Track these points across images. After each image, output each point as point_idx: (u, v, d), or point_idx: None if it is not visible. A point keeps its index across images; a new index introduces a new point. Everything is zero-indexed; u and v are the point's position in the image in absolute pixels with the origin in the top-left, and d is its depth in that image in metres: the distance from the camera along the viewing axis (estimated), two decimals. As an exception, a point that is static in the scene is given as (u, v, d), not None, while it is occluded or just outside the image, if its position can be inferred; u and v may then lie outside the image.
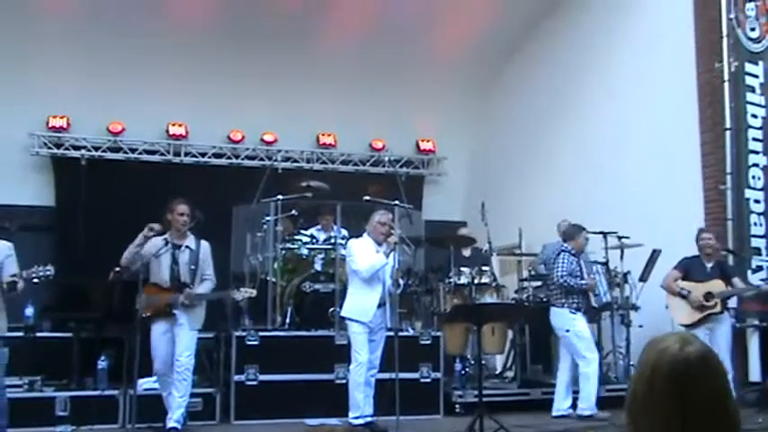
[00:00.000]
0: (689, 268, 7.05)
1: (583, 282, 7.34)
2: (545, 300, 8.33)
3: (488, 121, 12.21)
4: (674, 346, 1.64)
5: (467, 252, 8.92)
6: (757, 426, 5.85)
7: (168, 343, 6.12)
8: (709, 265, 6.98)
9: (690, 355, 1.62)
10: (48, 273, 6.03)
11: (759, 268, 8.08)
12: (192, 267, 6.23)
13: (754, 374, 7.63)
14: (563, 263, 7.31)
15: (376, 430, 6.24)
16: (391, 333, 6.53)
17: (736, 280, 7.05)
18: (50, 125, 10.83)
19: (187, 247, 6.26)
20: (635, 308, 8.31)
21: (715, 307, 6.78)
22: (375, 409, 6.40)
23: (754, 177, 8.34)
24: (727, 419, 1.61)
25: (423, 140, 12.47)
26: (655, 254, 8.13)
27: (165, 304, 6.09)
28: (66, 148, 10.98)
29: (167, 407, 6.18)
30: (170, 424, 6.15)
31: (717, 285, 6.85)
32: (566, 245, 7.53)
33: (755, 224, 8.25)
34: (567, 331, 7.27)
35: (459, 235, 9.08)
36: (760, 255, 8.15)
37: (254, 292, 6.43)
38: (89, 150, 11.03)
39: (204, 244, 6.37)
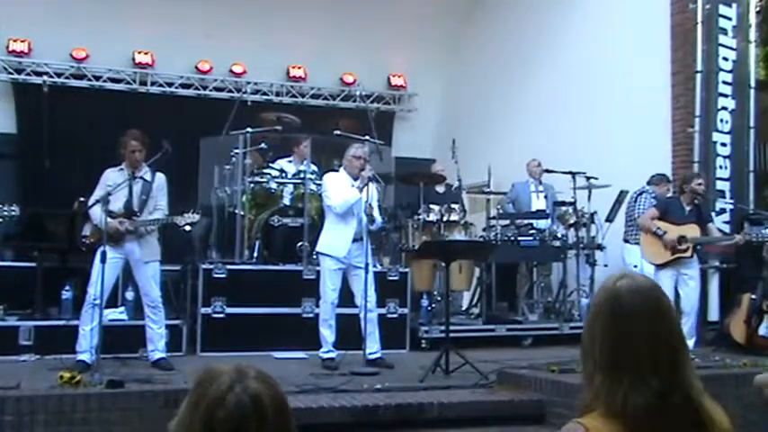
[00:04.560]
0: (668, 208, 7.06)
1: None
2: (512, 238, 8.41)
3: (460, 58, 12.09)
4: (609, 282, 1.72)
5: (440, 188, 8.92)
6: (714, 364, 6.01)
7: (112, 271, 5.88)
8: (687, 208, 6.99)
9: (621, 287, 1.69)
10: (13, 213, 5.95)
11: (723, 210, 8.19)
12: (143, 197, 6.11)
13: (713, 314, 7.82)
14: (644, 204, 7.69)
15: (382, 365, 6.26)
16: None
17: (711, 225, 7.09)
18: (11, 49, 10.48)
19: (141, 177, 6.15)
20: (600, 247, 8.43)
21: (686, 251, 6.84)
22: (338, 342, 6.43)
23: (722, 121, 8.38)
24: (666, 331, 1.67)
25: (394, 76, 12.35)
26: (621, 195, 8.21)
27: (112, 231, 5.87)
28: (28, 74, 10.64)
29: (80, 342, 5.88)
30: (156, 355, 6.14)
31: (692, 230, 6.87)
32: (648, 188, 7.81)
33: (721, 167, 8.34)
34: (636, 267, 7.30)
35: (431, 172, 9.07)
36: (724, 197, 8.25)
37: (196, 218, 6.14)
38: (51, 77, 10.70)
39: (159, 176, 6.24)
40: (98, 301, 5.72)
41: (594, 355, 1.68)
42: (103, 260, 5.59)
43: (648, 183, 7.92)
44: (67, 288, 6.94)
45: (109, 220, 5.83)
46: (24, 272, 7.57)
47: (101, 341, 5.58)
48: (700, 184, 7.02)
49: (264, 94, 11.70)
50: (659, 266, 6.89)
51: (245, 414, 1.41)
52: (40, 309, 7.17)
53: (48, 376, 5.24)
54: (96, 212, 5.92)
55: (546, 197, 9.08)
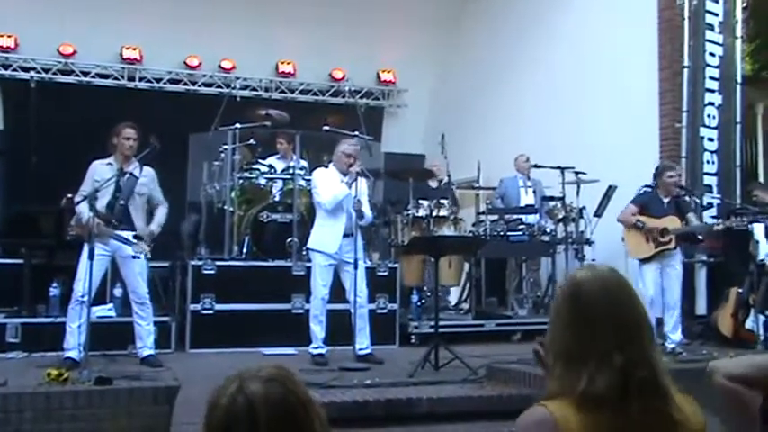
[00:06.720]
0: (646, 203, 7.08)
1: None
2: (501, 233, 8.43)
3: (450, 53, 12.08)
4: (570, 275, 1.83)
5: (433, 183, 8.92)
6: (701, 357, 6.04)
7: (99, 267, 5.78)
8: (666, 200, 7.02)
9: (580, 279, 1.77)
10: None
11: (710, 205, 8.22)
12: (128, 194, 6.00)
13: (701, 308, 7.86)
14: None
15: (372, 361, 6.26)
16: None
17: (690, 216, 7.10)
18: (-3, 45, 10.43)
19: (132, 174, 6.05)
20: (589, 242, 8.44)
21: (669, 243, 6.87)
22: (329, 338, 6.43)
23: (709, 116, 8.41)
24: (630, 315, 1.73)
25: (383, 71, 12.33)
26: (610, 190, 8.23)
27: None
28: (15, 70, 10.58)
29: (68, 339, 5.84)
30: (145, 352, 6.10)
31: (673, 222, 6.91)
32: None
33: (708, 162, 8.37)
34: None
35: (420, 167, 9.08)
36: (711, 192, 8.29)
37: (146, 249, 5.96)
38: (38, 72, 10.65)
39: (148, 169, 6.16)
40: (85, 298, 5.67)
41: (555, 346, 1.72)
42: (91, 257, 5.56)
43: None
44: (55, 285, 6.90)
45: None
46: (11, 269, 7.51)
47: (89, 338, 5.54)
48: (671, 177, 7.02)
49: (253, 89, 11.68)
50: (643, 261, 6.90)
51: (236, 417, 1.37)
52: (28, 306, 7.13)
53: (35, 373, 5.22)
54: (84, 210, 5.86)
55: (534, 192, 9.10)
